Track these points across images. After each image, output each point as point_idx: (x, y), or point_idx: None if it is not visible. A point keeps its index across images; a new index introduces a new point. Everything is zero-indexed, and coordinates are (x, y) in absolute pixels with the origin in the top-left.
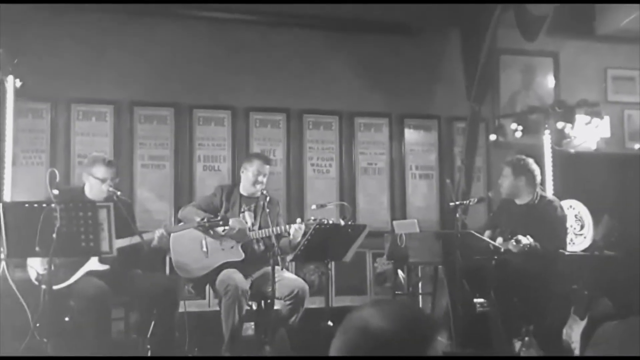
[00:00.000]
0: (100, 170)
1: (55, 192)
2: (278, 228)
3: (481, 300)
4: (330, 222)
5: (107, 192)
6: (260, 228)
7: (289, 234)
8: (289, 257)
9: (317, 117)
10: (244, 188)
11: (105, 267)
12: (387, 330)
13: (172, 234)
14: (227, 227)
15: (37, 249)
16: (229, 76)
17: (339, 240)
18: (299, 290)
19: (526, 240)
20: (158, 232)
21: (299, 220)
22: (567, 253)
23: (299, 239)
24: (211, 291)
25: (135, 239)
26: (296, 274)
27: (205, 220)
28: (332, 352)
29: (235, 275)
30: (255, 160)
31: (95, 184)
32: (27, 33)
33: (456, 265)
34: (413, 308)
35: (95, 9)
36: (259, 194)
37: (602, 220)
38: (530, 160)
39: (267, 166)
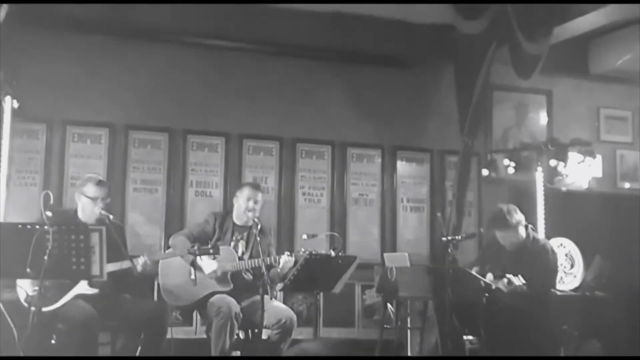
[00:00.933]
0: (91, 189)
1: (49, 214)
2: (268, 258)
3: (470, 337)
4: (321, 252)
5: (100, 214)
6: (251, 257)
7: (278, 264)
8: (278, 287)
9: (310, 146)
10: (237, 216)
11: (94, 290)
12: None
13: (160, 261)
14: (217, 256)
15: (28, 270)
16: (224, 103)
17: (329, 271)
18: (286, 319)
19: (518, 281)
20: (141, 260)
21: (287, 253)
22: (558, 292)
23: (287, 270)
24: (198, 318)
25: (126, 264)
26: (284, 303)
27: (196, 248)
28: None
29: (228, 299)
30: (245, 187)
31: (87, 204)
32: (25, 55)
33: (447, 301)
34: None
35: (93, 32)
36: (251, 222)
37: (594, 260)
38: (512, 206)
39: (259, 192)
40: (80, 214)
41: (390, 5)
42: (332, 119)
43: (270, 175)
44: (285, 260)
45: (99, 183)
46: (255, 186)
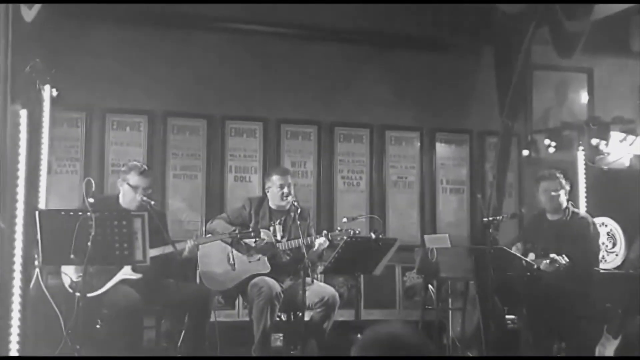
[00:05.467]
0: (135, 179)
1: (91, 200)
2: (306, 239)
3: (512, 316)
4: (358, 232)
5: (141, 200)
6: (289, 240)
7: (314, 245)
8: (319, 269)
9: (348, 130)
10: (273, 201)
11: (138, 275)
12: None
13: (199, 246)
14: (257, 239)
15: (72, 256)
16: (262, 88)
17: (370, 254)
18: (329, 297)
19: (561, 260)
20: (189, 243)
21: (324, 232)
22: (601, 271)
23: (322, 251)
24: (240, 301)
25: (168, 249)
26: None
27: (237, 231)
28: None
29: (268, 280)
30: (273, 175)
31: (128, 191)
32: (64, 43)
33: (489, 282)
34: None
35: (130, 22)
36: (289, 205)
37: (637, 238)
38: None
39: (288, 175)
40: (121, 200)
41: None
42: (370, 103)
43: (309, 160)
44: (321, 242)
45: (143, 172)
46: (283, 171)
